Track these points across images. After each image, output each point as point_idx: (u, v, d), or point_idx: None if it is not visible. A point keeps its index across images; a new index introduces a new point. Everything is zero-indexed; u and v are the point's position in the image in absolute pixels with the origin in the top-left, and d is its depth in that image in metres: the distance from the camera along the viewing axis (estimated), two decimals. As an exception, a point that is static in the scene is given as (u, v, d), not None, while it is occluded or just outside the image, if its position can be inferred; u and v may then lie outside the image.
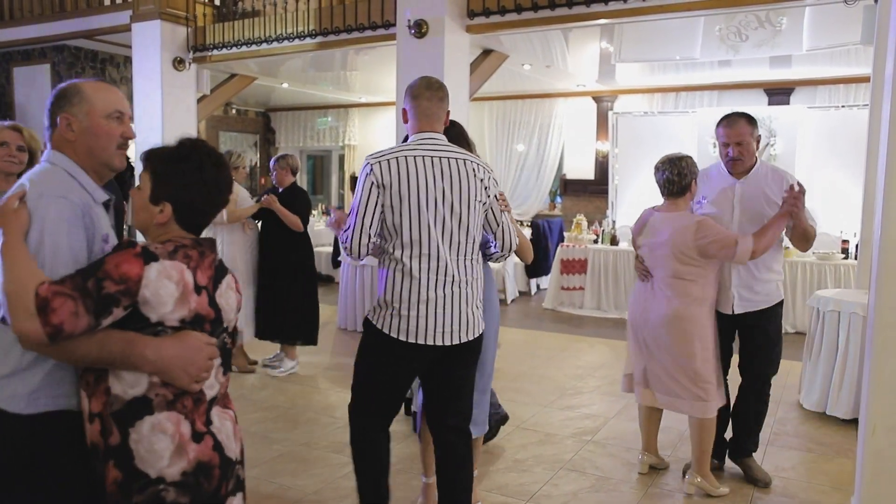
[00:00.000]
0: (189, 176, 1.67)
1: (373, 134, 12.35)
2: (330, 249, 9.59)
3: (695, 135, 8.43)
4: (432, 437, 2.71)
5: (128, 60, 8.82)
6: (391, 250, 2.47)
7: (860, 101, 8.45)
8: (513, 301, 8.74)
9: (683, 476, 3.47)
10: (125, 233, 5.05)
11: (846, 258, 7.04)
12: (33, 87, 9.61)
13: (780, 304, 3.43)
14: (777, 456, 3.86)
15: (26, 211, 1.56)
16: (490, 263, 2.98)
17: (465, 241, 2.49)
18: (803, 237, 3.31)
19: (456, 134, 2.86)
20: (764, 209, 3.29)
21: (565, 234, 8.87)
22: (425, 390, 2.68)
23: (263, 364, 5.58)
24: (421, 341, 2.46)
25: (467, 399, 2.66)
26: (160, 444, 1.57)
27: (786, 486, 3.49)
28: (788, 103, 9.21)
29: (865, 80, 7.16)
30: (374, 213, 2.43)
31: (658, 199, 3.40)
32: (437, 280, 2.45)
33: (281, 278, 5.32)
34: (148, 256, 1.56)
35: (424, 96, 2.54)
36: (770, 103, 9.24)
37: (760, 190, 3.31)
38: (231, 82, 9.30)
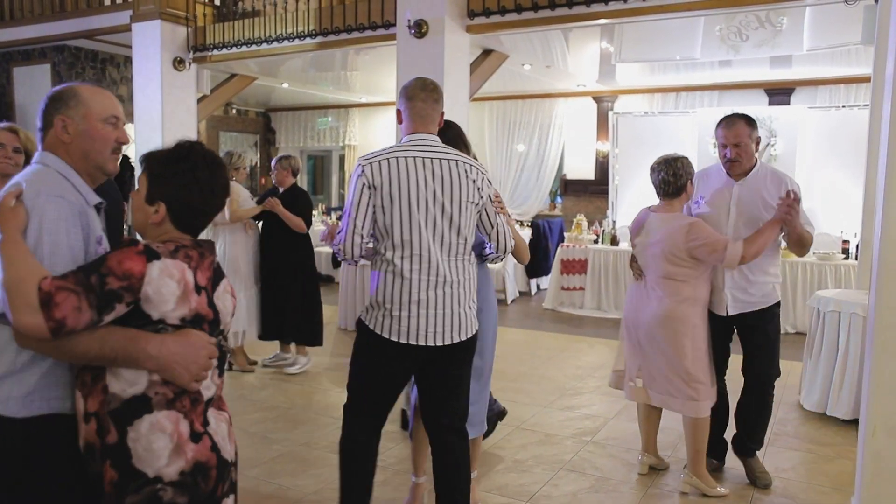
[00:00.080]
0: (184, 177, 1.69)
1: (373, 134, 12.34)
2: (330, 250, 9.60)
3: (695, 135, 8.43)
4: (428, 437, 2.71)
5: (128, 60, 8.82)
6: (383, 251, 2.49)
7: (861, 101, 8.44)
8: (513, 301, 8.74)
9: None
10: (125, 233, 5.05)
11: (846, 258, 7.04)
12: (33, 87, 9.61)
13: (778, 304, 3.41)
14: (777, 456, 3.86)
15: (24, 209, 1.56)
16: (488, 264, 2.98)
17: (456, 241, 2.50)
18: (799, 243, 3.28)
19: (453, 135, 2.86)
20: (760, 213, 3.27)
21: (565, 234, 8.87)
22: (420, 390, 2.69)
23: (263, 364, 5.59)
24: (413, 342, 2.47)
25: (462, 399, 2.66)
26: (159, 443, 1.57)
27: (786, 487, 3.49)
28: (789, 103, 9.20)
29: (866, 80, 7.16)
30: (365, 214, 2.44)
31: (657, 199, 3.40)
32: (428, 281, 2.46)
33: (281, 278, 5.34)
34: (150, 254, 1.58)
35: (419, 97, 2.54)
36: (770, 103, 9.24)
37: (758, 193, 3.29)
38: (231, 82, 9.30)
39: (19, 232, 1.53)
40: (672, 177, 3.28)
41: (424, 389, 2.65)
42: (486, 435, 3.67)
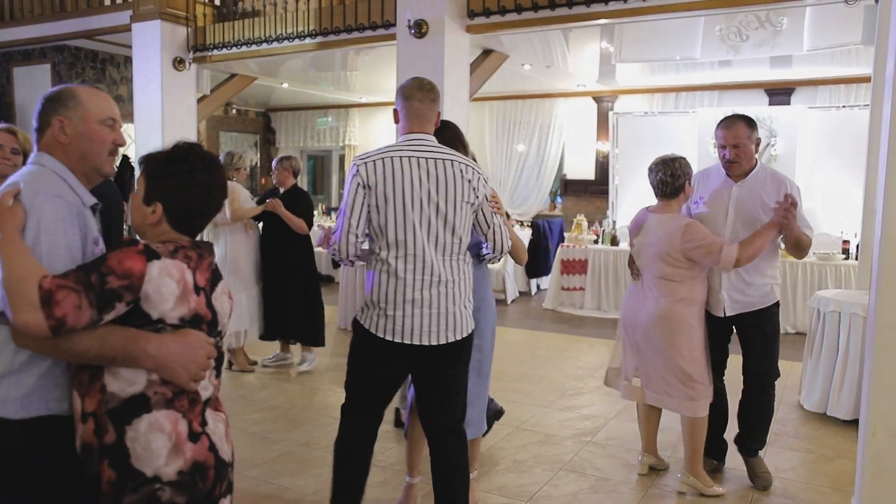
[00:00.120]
0: (181, 178, 1.69)
1: (373, 134, 12.34)
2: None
3: (695, 135, 8.43)
4: (426, 437, 2.71)
5: (128, 60, 8.82)
6: (377, 251, 2.50)
7: (861, 101, 8.44)
8: (513, 301, 8.74)
9: None
10: (126, 233, 5.05)
11: (847, 259, 7.04)
12: (33, 87, 9.61)
13: (776, 305, 3.39)
14: (777, 457, 3.86)
15: (22, 208, 1.55)
16: (487, 264, 2.99)
17: (451, 241, 2.50)
18: (796, 246, 3.27)
19: (451, 135, 2.87)
20: (759, 214, 3.25)
21: (565, 234, 8.86)
22: (417, 390, 2.69)
23: (263, 364, 5.60)
24: (407, 341, 2.47)
25: (459, 398, 2.65)
26: (157, 443, 1.57)
27: (786, 488, 3.48)
28: (789, 103, 9.20)
29: (866, 80, 7.16)
30: (360, 214, 2.45)
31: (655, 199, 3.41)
32: (422, 280, 2.46)
33: (282, 279, 5.36)
34: (150, 254, 1.58)
35: (416, 97, 2.55)
36: (771, 103, 9.24)
37: (757, 194, 3.27)
38: (231, 82, 9.30)
39: (17, 231, 1.53)
40: (670, 177, 3.28)
41: (421, 389, 2.65)
42: (483, 434, 3.67)
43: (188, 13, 7.88)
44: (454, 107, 6.14)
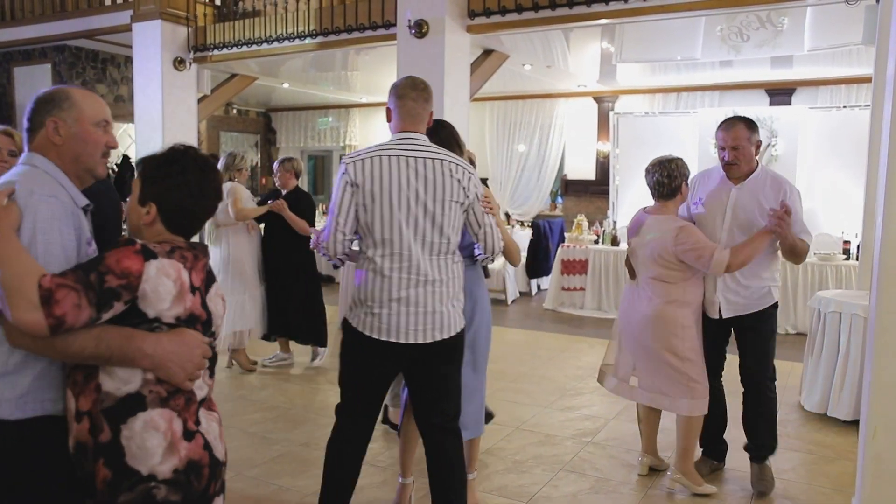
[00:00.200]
0: (174, 179, 1.71)
1: (373, 134, 12.34)
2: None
3: (696, 135, 8.42)
4: (421, 437, 2.70)
5: (129, 60, 8.83)
6: (365, 249, 2.50)
7: (862, 101, 8.43)
8: (513, 301, 8.74)
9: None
10: (125, 233, 5.05)
11: (847, 259, 7.03)
12: (34, 87, 9.56)
13: (774, 306, 3.36)
14: (777, 457, 3.83)
15: (16, 207, 1.55)
16: (480, 265, 2.99)
17: (439, 240, 2.49)
18: (792, 253, 3.23)
19: (446, 135, 2.87)
20: (756, 218, 3.22)
21: (566, 234, 8.87)
22: (410, 391, 2.69)
23: (263, 364, 5.61)
24: (394, 339, 2.47)
25: (452, 398, 2.64)
26: (152, 441, 1.57)
27: (786, 488, 3.48)
28: (790, 104, 9.19)
29: (867, 80, 7.14)
30: (348, 213, 2.46)
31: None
32: (408, 279, 2.46)
33: (283, 279, 5.40)
34: (147, 254, 1.59)
35: (410, 96, 2.54)
36: (771, 104, 9.23)
37: (755, 198, 3.24)
38: (232, 82, 9.30)
39: (13, 230, 1.53)
40: (666, 178, 3.28)
41: (414, 390, 2.66)
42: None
43: (188, 13, 7.89)
44: (454, 107, 6.13)
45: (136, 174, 1.77)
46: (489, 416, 3.98)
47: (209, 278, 1.74)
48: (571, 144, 10.97)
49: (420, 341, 2.49)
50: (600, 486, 3.50)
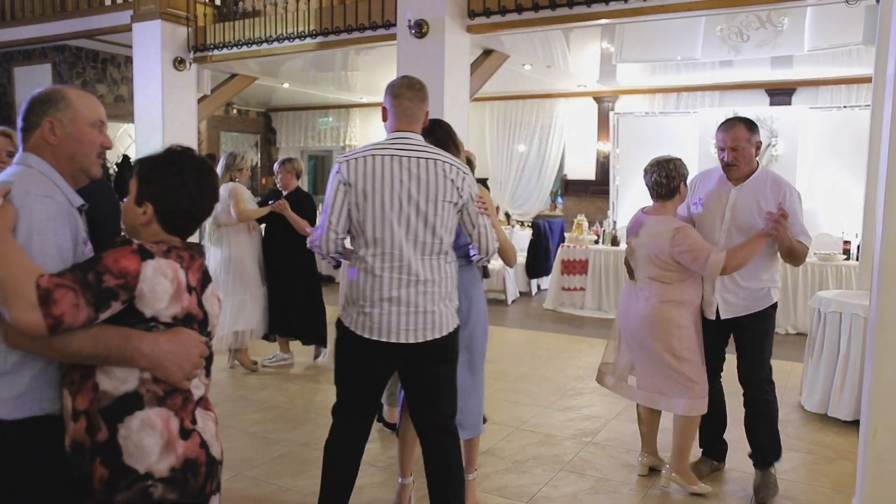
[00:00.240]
0: (171, 179, 1.71)
1: (374, 134, 12.33)
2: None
3: (696, 135, 8.42)
4: (418, 436, 2.70)
5: (129, 60, 8.82)
6: (357, 249, 2.51)
7: (862, 101, 8.43)
8: (513, 301, 8.74)
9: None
10: (124, 233, 5.05)
11: (847, 259, 7.02)
12: (34, 87, 9.33)
13: (773, 307, 3.35)
14: (778, 457, 3.85)
15: (12, 207, 1.55)
16: (476, 265, 2.98)
17: (431, 240, 2.49)
18: (790, 255, 3.22)
19: (443, 135, 2.87)
20: (755, 220, 3.20)
21: (566, 234, 8.87)
22: (406, 391, 2.69)
23: (263, 364, 5.61)
24: (385, 338, 2.47)
25: (447, 398, 2.64)
26: (149, 440, 1.58)
27: (787, 489, 3.48)
28: (790, 104, 9.19)
29: (867, 80, 7.14)
30: (340, 212, 2.46)
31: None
32: (399, 279, 2.46)
33: (284, 279, 5.41)
34: (144, 253, 1.60)
35: (406, 96, 2.55)
36: (772, 104, 9.23)
37: (755, 199, 3.22)
38: (232, 82, 9.30)
39: (9, 230, 1.53)
40: (665, 178, 3.27)
41: (409, 390, 2.65)
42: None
43: (188, 13, 7.88)
44: (454, 107, 6.13)
45: (134, 174, 1.77)
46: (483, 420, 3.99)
47: (205, 278, 1.75)
48: (571, 144, 10.97)
49: (412, 341, 2.48)
50: (600, 486, 3.50)
